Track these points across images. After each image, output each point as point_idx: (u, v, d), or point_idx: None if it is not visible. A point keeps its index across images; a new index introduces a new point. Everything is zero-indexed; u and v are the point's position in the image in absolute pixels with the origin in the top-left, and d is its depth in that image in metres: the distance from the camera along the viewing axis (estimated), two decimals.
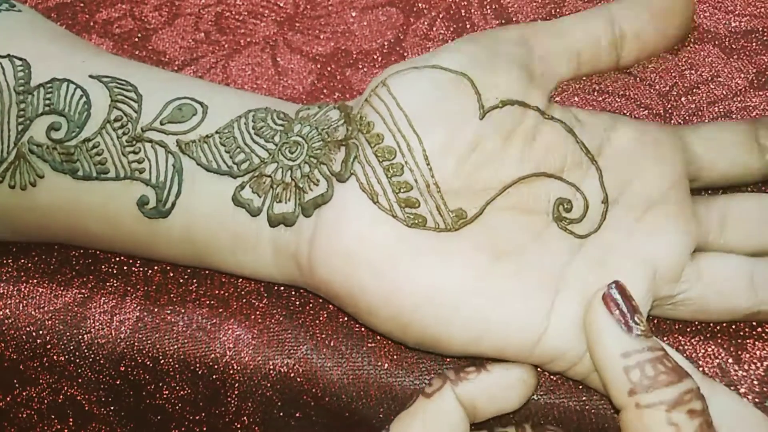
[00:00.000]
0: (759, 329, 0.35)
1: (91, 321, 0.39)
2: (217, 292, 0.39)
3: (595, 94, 0.43)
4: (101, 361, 0.39)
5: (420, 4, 0.50)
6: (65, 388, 0.40)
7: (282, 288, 0.39)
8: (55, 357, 0.39)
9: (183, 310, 0.38)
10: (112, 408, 0.40)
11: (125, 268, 0.40)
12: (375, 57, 0.48)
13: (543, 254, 0.33)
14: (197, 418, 0.39)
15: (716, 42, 0.45)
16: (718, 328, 0.35)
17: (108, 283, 0.40)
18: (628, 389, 0.30)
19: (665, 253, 0.34)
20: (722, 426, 0.31)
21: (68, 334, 0.39)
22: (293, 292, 0.39)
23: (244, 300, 0.39)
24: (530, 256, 0.33)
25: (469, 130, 0.34)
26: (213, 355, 0.37)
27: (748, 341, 0.35)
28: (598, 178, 0.35)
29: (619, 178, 0.35)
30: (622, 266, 0.33)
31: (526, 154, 0.34)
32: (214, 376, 0.37)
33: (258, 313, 0.38)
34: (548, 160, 0.34)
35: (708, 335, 0.35)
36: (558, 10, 0.48)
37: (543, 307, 0.32)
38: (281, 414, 0.38)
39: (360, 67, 0.47)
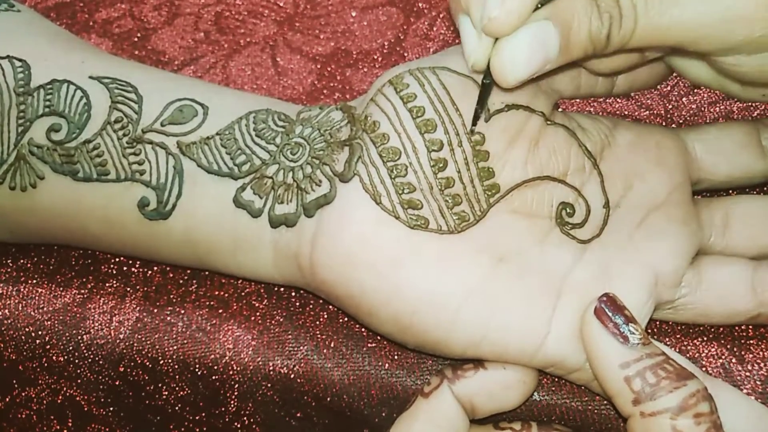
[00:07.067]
0: (762, 330, 0.35)
1: (91, 321, 0.38)
2: (217, 293, 0.39)
3: None
4: (100, 362, 0.38)
5: (420, 4, 0.50)
6: (64, 388, 0.40)
7: (282, 289, 0.39)
8: (54, 357, 0.39)
9: (183, 311, 0.38)
10: (111, 409, 0.40)
11: (125, 268, 0.40)
12: (375, 57, 0.48)
13: (545, 259, 0.33)
14: (197, 418, 0.39)
15: None
16: (721, 329, 0.35)
17: (107, 284, 0.40)
18: (631, 399, 0.30)
19: (666, 258, 0.34)
20: (727, 423, 0.30)
21: (67, 334, 0.38)
22: (294, 294, 0.39)
23: (245, 301, 0.38)
24: (532, 261, 0.33)
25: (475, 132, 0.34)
26: (213, 356, 0.37)
27: (751, 342, 0.35)
28: (599, 183, 0.35)
29: (620, 183, 0.35)
30: (623, 271, 0.33)
31: (529, 157, 0.34)
32: (213, 377, 0.37)
33: (258, 314, 0.38)
34: (551, 164, 0.34)
35: (711, 336, 0.35)
36: None
37: (544, 312, 0.32)
38: (282, 414, 0.38)
39: (360, 67, 0.47)
